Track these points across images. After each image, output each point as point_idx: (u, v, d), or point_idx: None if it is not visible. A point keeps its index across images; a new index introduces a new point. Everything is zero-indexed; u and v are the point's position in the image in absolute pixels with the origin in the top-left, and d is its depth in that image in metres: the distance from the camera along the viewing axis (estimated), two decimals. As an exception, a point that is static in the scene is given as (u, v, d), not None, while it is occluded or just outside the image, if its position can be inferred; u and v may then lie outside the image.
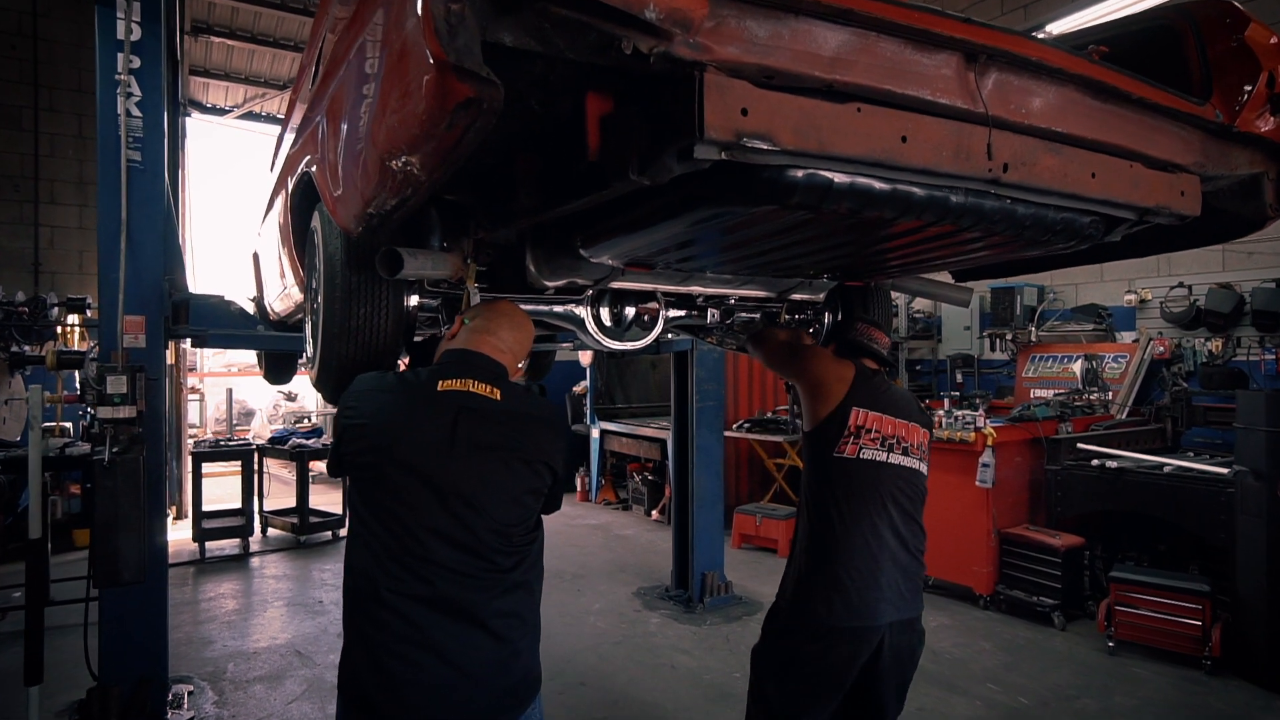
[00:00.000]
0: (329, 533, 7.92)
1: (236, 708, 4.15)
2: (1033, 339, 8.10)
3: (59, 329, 7.13)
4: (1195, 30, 1.97)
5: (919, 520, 2.44)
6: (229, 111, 11.53)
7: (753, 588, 6.13)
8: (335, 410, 1.95)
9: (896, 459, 2.39)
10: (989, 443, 5.40)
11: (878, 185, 1.45)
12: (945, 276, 2.98)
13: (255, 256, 4.80)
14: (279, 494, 9.28)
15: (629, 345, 2.70)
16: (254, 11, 10.10)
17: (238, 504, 7.83)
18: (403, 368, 2.22)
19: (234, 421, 11.62)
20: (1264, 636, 4.36)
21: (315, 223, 2.23)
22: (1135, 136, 1.80)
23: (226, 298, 4.54)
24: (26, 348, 6.19)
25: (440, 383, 1.77)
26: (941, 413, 5.79)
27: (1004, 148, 1.55)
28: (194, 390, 12.49)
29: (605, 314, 2.55)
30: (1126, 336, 7.52)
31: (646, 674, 4.61)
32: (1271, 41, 1.91)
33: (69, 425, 7.78)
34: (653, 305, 2.64)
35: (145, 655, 3.85)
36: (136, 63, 3.76)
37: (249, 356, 11.34)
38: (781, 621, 2.42)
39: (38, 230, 8.56)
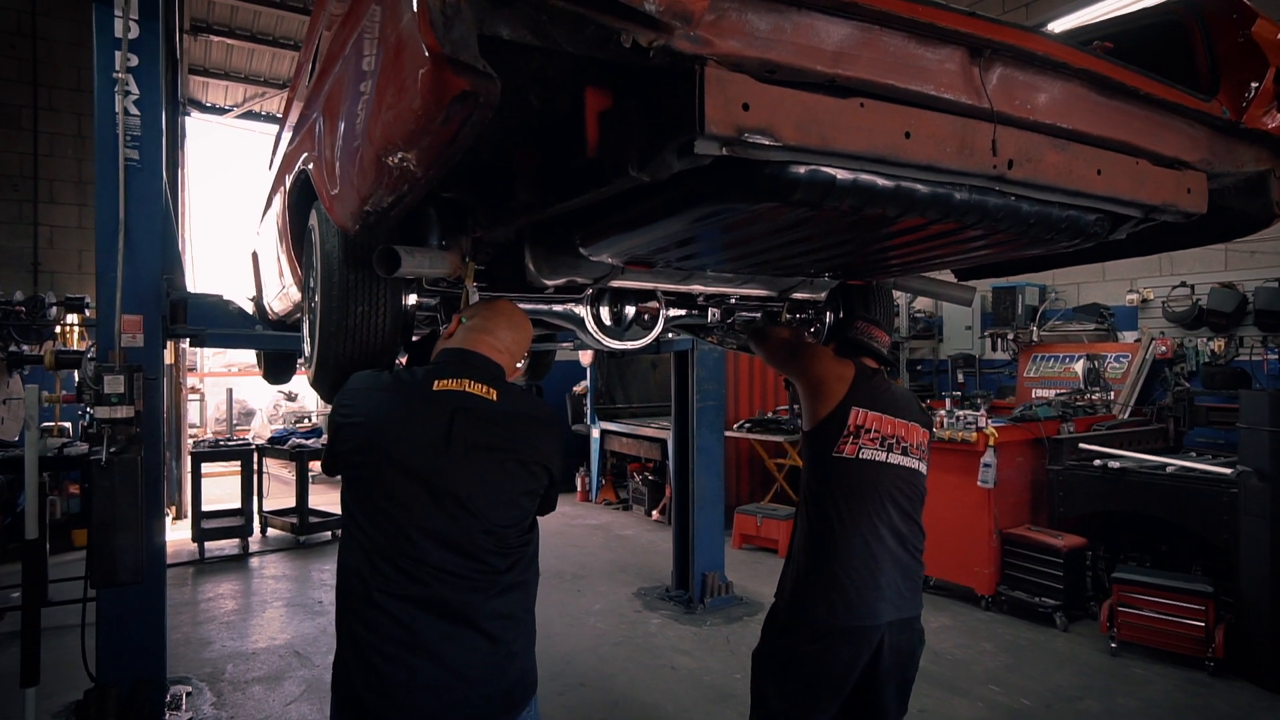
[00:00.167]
0: (329, 533, 7.91)
1: (235, 709, 4.14)
2: (1034, 339, 8.09)
3: (57, 328, 7.14)
4: (1202, 26, 1.95)
5: (918, 520, 2.43)
6: (228, 111, 11.52)
7: (753, 588, 6.11)
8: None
9: (896, 459, 2.38)
10: (990, 443, 5.38)
11: (880, 182, 1.43)
12: (947, 275, 2.96)
13: (254, 256, 4.79)
14: (279, 494, 9.28)
15: (629, 345, 2.68)
16: (253, 10, 10.10)
17: (237, 504, 7.84)
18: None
19: (234, 421, 11.63)
20: (1268, 637, 4.34)
21: (313, 221, 2.22)
22: (1141, 133, 1.78)
23: (225, 297, 4.53)
24: (25, 347, 6.20)
25: (436, 382, 1.75)
26: (943, 413, 5.77)
27: (1009, 144, 1.53)
28: (194, 390, 12.49)
29: (605, 313, 2.53)
30: (1128, 336, 7.51)
31: (647, 675, 4.60)
32: (1279, 37, 1.89)
33: (68, 425, 7.77)
34: (653, 304, 2.63)
35: (143, 656, 3.84)
36: (134, 61, 3.74)
37: (249, 356, 11.35)
38: (780, 622, 2.41)
39: (37, 230, 8.55)
